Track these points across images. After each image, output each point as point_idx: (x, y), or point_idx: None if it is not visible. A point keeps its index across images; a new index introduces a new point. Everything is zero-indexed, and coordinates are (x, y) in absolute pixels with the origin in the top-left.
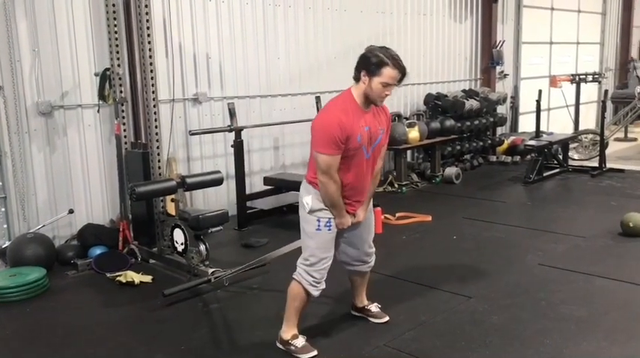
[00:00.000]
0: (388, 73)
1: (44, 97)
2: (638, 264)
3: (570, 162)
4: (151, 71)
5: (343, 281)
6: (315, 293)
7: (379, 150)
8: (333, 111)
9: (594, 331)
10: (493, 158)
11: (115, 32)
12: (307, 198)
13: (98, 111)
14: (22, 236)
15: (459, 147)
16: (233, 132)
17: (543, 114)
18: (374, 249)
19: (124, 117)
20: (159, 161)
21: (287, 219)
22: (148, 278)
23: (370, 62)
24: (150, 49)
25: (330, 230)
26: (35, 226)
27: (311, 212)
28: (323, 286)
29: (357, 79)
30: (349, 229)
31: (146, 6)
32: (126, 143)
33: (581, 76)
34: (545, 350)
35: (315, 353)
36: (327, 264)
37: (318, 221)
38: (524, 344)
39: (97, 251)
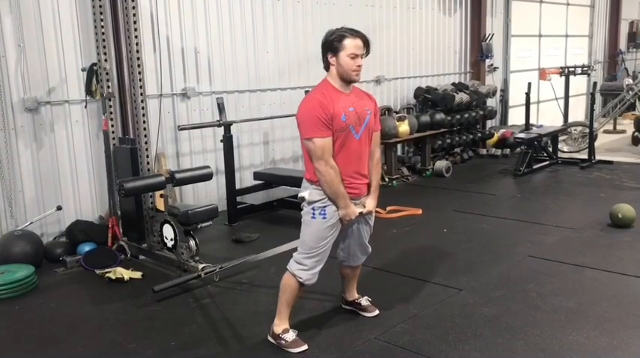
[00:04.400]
0: (350, 43)
1: (30, 93)
2: (626, 255)
3: (560, 155)
4: (139, 66)
5: (333, 276)
6: (305, 276)
7: (370, 132)
8: (311, 96)
9: (583, 321)
10: (483, 151)
11: (102, 26)
12: (305, 193)
13: (85, 106)
14: (10, 233)
15: (449, 141)
16: (222, 127)
17: (533, 107)
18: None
19: (111, 113)
20: (147, 156)
21: (277, 214)
22: (137, 275)
23: (331, 41)
24: (137, 44)
25: (324, 218)
26: (23, 223)
27: (308, 203)
28: (314, 273)
29: (326, 66)
30: (352, 224)
31: (133, 0)
32: (114, 139)
33: (570, 69)
34: (535, 341)
35: (305, 347)
36: (319, 253)
37: (313, 209)
38: (514, 336)
39: (86, 247)
